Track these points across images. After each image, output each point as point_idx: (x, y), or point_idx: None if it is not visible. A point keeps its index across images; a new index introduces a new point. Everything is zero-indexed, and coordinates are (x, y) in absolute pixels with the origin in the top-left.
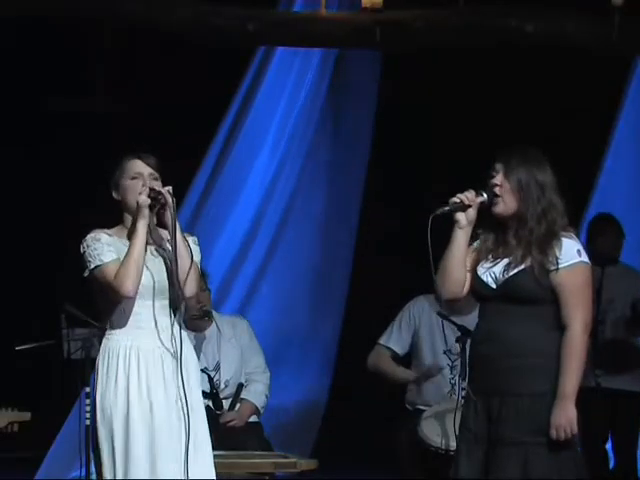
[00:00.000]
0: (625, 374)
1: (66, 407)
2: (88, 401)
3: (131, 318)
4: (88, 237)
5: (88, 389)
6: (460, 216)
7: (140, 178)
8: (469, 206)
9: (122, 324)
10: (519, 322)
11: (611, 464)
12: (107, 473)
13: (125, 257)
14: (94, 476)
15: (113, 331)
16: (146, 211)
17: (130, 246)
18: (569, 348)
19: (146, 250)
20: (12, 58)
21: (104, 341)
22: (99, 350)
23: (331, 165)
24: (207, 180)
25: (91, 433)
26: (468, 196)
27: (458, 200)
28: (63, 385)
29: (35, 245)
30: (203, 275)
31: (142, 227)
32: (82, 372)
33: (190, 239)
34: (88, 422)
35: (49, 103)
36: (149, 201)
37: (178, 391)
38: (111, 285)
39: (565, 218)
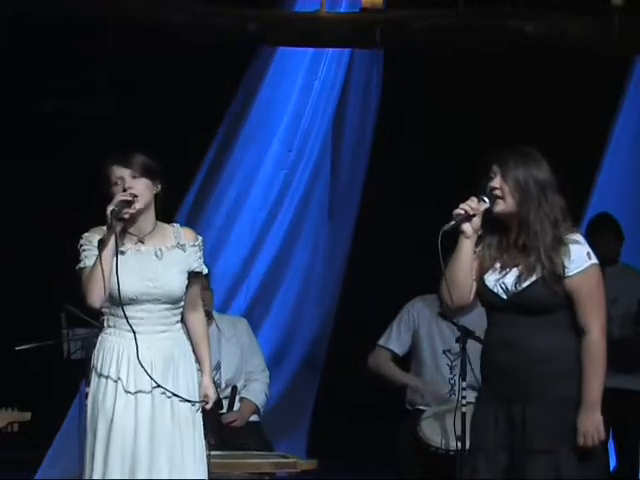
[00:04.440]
0: (631, 373)
1: (66, 407)
2: None
3: (125, 321)
4: (85, 235)
5: (88, 389)
6: (466, 227)
7: (120, 183)
8: (473, 215)
9: (117, 326)
10: (537, 331)
11: (612, 464)
12: (86, 474)
13: (91, 268)
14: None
15: (109, 330)
16: (112, 221)
17: (96, 257)
18: (591, 354)
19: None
20: (12, 58)
21: (99, 339)
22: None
23: (332, 168)
24: (208, 180)
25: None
26: (472, 205)
27: (462, 212)
28: (63, 385)
29: (35, 245)
30: (206, 274)
31: (109, 237)
32: (82, 372)
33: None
34: None
35: (49, 104)
36: (112, 211)
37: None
38: (82, 291)
39: (569, 218)
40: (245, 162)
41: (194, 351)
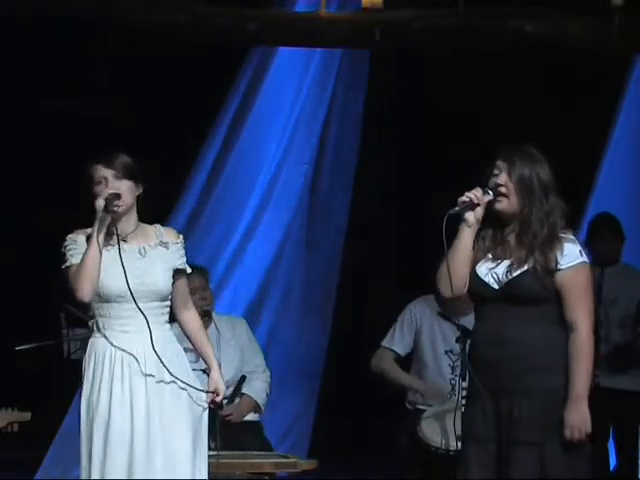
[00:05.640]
0: (630, 374)
1: (66, 407)
2: None
3: (116, 321)
4: (68, 236)
5: None
6: (469, 215)
7: (103, 182)
8: (477, 205)
9: (108, 327)
10: (524, 323)
11: (612, 465)
12: (83, 474)
13: (80, 262)
14: None
15: (99, 333)
16: (102, 215)
17: (85, 251)
18: (578, 349)
19: (101, 253)
20: (12, 58)
21: (90, 342)
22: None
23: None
24: (205, 180)
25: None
26: (477, 195)
27: (467, 199)
28: (63, 385)
29: (35, 245)
30: (205, 273)
31: (97, 232)
32: (82, 372)
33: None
34: None
35: (49, 104)
36: (103, 204)
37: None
38: (71, 287)
39: (564, 219)
40: (246, 164)
41: (192, 351)
